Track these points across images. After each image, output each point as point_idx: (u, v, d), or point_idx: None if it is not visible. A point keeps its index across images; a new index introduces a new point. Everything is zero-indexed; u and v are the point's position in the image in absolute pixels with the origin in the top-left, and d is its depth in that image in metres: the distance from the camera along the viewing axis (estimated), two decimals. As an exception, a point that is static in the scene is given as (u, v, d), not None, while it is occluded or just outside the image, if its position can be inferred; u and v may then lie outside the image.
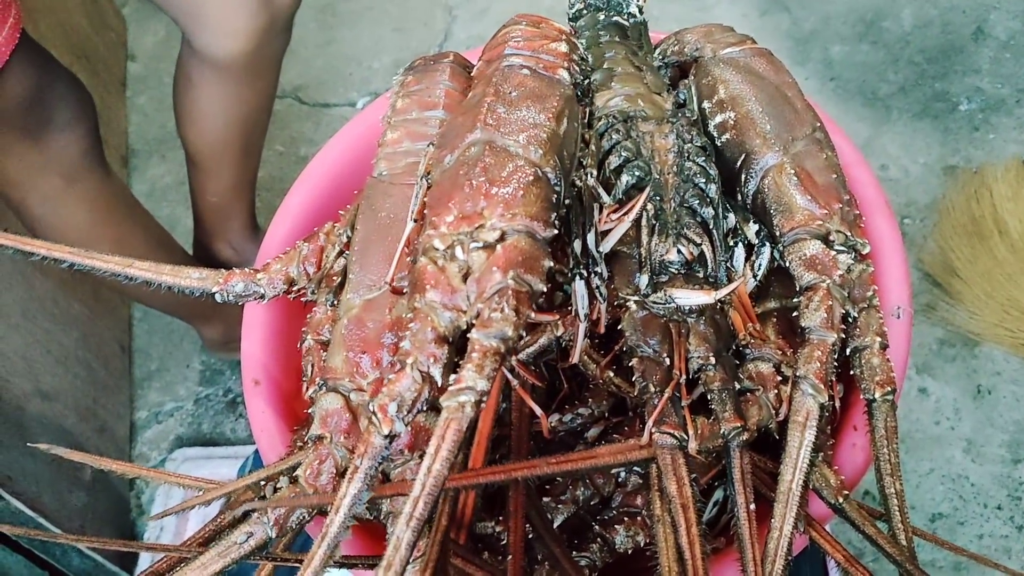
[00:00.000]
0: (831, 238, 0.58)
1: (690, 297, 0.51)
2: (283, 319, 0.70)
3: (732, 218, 0.62)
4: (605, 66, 0.67)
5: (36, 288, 1.31)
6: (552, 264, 0.45)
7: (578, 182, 0.52)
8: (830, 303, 0.56)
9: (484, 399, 0.38)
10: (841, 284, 0.58)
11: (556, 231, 0.46)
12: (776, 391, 0.57)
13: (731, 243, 0.60)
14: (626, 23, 0.75)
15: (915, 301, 1.46)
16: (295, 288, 0.61)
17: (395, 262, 0.53)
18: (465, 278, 0.43)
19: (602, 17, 0.75)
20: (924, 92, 1.72)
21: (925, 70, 1.75)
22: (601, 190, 0.53)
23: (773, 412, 0.56)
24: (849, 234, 0.59)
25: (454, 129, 0.51)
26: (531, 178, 0.46)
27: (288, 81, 1.95)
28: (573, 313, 0.51)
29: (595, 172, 0.54)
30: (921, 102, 1.70)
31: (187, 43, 1.16)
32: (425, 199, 0.49)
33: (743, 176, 0.61)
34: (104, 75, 1.84)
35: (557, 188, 0.48)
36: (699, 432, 0.49)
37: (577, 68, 0.60)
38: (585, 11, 0.76)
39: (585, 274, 0.48)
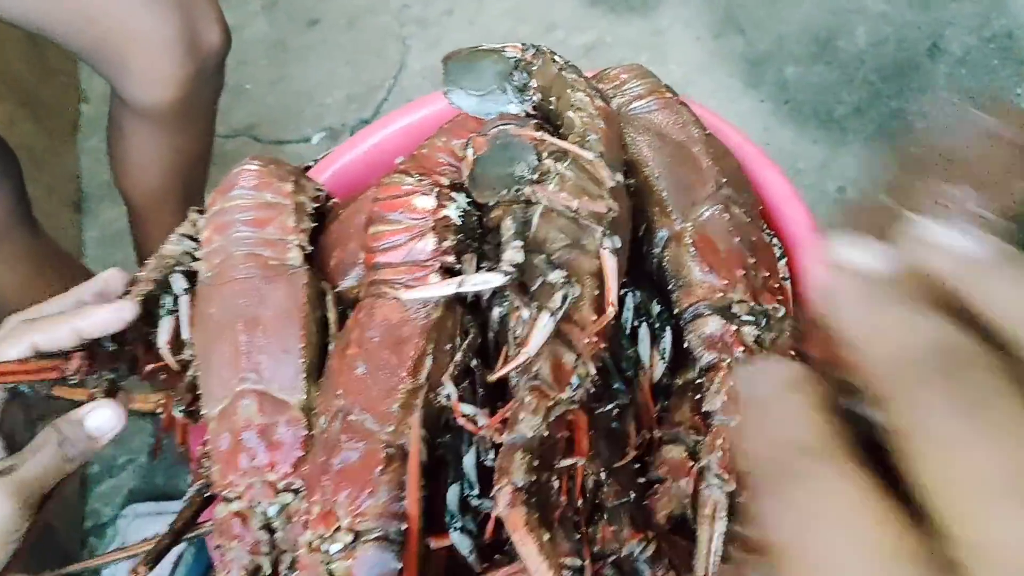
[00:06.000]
0: (733, 310, 0.56)
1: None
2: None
3: (638, 294, 0.59)
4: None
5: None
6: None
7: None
8: (731, 383, 0.54)
9: None
10: (747, 360, 0.56)
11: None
12: (689, 476, 0.56)
13: (635, 324, 0.58)
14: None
15: (873, 328, 1.44)
16: None
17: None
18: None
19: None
20: (879, 111, 1.71)
21: (880, 89, 1.74)
22: (463, 408, 0.51)
23: (687, 500, 0.55)
24: (754, 302, 0.57)
25: (329, 378, 0.54)
26: (383, 465, 0.48)
27: (241, 119, 1.93)
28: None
29: (454, 393, 0.51)
30: (876, 122, 1.69)
31: (116, 94, 1.13)
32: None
33: (644, 247, 0.59)
34: (49, 121, 1.81)
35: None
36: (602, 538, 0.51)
37: (453, 256, 0.54)
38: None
39: (460, 526, 0.50)
